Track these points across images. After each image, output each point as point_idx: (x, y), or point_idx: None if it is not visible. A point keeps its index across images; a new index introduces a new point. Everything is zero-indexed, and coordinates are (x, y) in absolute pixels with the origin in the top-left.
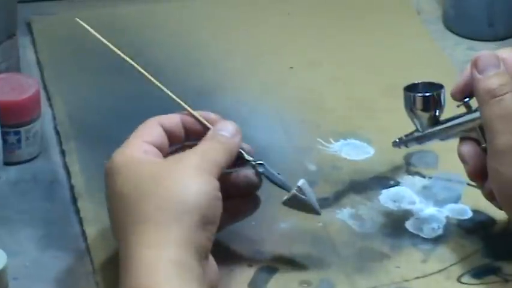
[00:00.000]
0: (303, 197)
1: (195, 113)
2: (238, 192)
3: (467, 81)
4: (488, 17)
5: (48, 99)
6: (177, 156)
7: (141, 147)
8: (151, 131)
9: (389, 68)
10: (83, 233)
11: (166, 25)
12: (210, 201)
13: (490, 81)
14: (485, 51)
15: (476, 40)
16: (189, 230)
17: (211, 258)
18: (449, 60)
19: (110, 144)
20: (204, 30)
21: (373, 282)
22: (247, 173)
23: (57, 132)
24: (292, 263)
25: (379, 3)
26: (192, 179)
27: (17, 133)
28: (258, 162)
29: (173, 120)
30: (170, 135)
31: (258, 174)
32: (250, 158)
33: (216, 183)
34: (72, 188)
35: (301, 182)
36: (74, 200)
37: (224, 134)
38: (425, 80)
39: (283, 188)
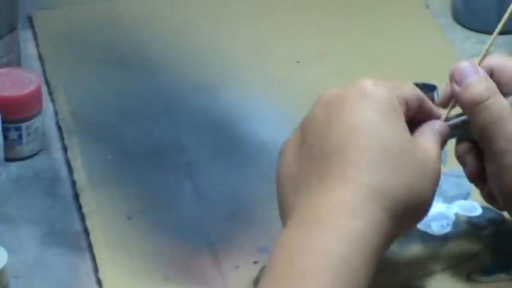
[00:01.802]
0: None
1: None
2: None
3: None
4: (497, 10)
5: (50, 94)
6: (423, 138)
7: (397, 95)
8: (409, 89)
9: (397, 62)
10: (85, 230)
11: (168, 18)
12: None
13: (470, 89)
14: (461, 62)
15: (485, 33)
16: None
17: None
18: (458, 54)
19: (113, 139)
20: (209, 23)
21: (381, 279)
22: None
23: (59, 128)
24: None
25: None
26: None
27: (18, 129)
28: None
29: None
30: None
31: None
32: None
33: None
34: (74, 184)
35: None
36: (76, 197)
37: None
38: (418, 81)
39: None
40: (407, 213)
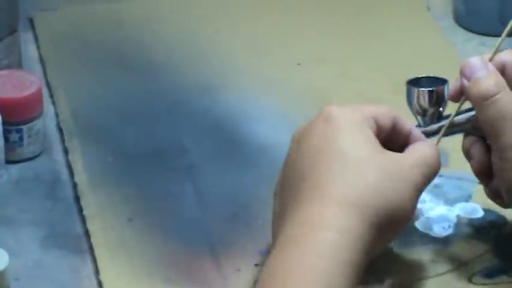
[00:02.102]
0: None
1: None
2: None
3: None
4: (499, 12)
5: (51, 96)
6: (409, 159)
7: (362, 112)
8: (380, 109)
9: (398, 65)
10: (86, 232)
11: (169, 20)
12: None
13: (478, 84)
14: (471, 57)
15: (487, 36)
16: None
17: None
18: (459, 56)
19: (114, 141)
20: (209, 25)
21: (382, 281)
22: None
23: (60, 130)
24: None
25: None
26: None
27: (19, 131)
28: None
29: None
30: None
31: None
32: None
33: None
34: (75, 186)
35: None
36: (77, 199)
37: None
38: (429, 74)
39: None
40: (388, 220)
